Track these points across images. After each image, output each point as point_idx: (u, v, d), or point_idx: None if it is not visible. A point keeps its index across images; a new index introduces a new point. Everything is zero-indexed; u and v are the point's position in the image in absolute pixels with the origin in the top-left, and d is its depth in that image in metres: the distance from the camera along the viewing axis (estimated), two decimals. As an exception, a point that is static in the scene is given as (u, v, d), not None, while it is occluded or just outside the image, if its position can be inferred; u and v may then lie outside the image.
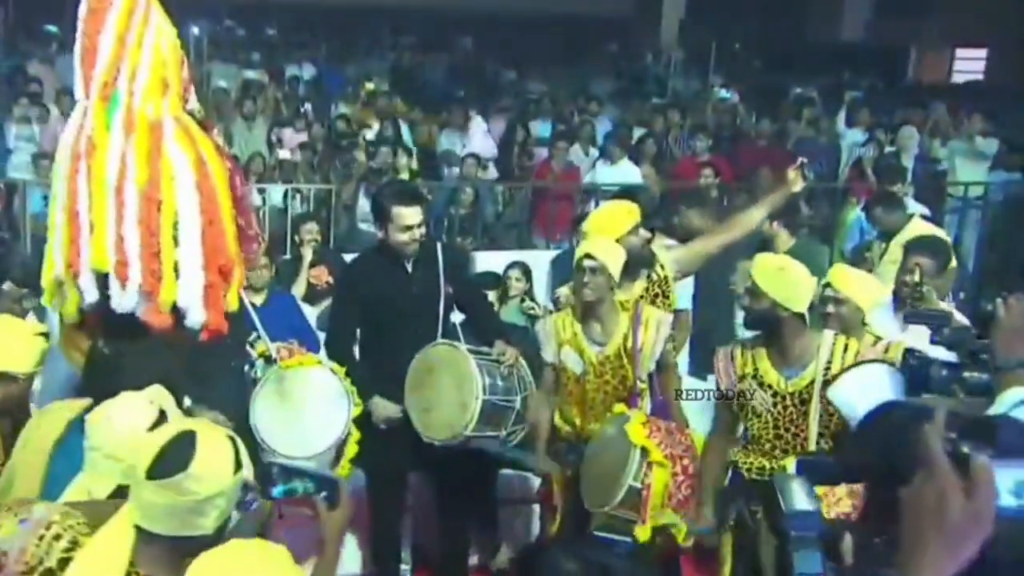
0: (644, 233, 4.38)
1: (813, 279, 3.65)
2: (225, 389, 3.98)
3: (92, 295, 2.98)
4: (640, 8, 19.33)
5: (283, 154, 8.72)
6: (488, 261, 7.65)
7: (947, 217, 9.40)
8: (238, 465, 2.13)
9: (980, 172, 9.77)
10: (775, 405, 3.61)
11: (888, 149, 10.09)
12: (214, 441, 2.12)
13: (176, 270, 3.00)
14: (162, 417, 2.33)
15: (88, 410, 2.63)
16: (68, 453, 2.57)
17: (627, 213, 4.34)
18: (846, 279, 3.97)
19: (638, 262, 4.31)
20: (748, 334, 3.90)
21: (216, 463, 2.09)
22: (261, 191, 8.30)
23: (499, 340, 4.34)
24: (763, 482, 3.57)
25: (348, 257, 7.08)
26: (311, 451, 3.95)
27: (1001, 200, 9.29)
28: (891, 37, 17.14)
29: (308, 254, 6.77)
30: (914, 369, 2.64)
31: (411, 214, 4.24)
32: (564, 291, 4.39)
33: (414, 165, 9.18)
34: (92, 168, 3.01)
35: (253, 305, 5.26)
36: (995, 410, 2.25)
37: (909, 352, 2.69)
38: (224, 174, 3.15)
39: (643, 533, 3.70)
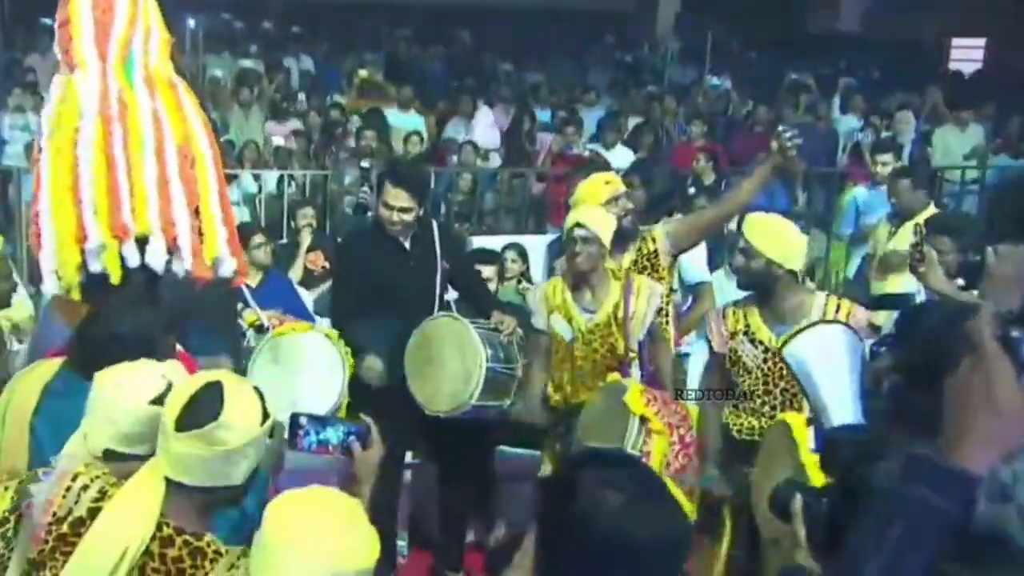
0: (625, 203, 4.37)
1: (805, 237, 3.68)
2: (225, 337, 4.03)
3: (135, 260, 2.92)
4: (637, 1, 19.35)
5: (277, 141, 8.71)
6: (485, 244, 7.67)
7: (943, 202, 9.43)
8: (264, 416, 2.13)
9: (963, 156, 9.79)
10: (765, 361, 3.64)
11: (885, 134, 10.11)
12: (241, 391, 2.11)
13: (214, 227, 3.02)
14: (169, 390, 2.28)
15: (63, 368, 2.64)
16: (49, 418, 2.56)
17: (606, 183, 4.36)
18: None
19: (624, 235, 4.33)
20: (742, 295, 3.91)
21: (245, 412, 2.09)
22: (256, 177, 8.31)
23: (496, 311, 4.39)
24: (753, 442, 3.59)
25: (345, 242, 7.15)
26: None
27: (997, 185, 9.30)
28: (889, 27, 17.14)
29: (305, 239, 6.81)
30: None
31: (396, 195, 4.31)
32: (559, 263, 4.39)
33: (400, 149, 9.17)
34: (129, 130, 2.96)
35: (249, 286, 5.32)
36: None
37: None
38: (210, 126, 3.22)
39: None
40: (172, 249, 2.96)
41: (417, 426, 4.31)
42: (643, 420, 3.70)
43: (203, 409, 2.05)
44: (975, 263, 2.58)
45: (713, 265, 5.60)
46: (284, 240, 7.22)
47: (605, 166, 8.65)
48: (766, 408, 3.65)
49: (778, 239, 3.60)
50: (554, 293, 4.18)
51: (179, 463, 2.05)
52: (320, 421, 2.43)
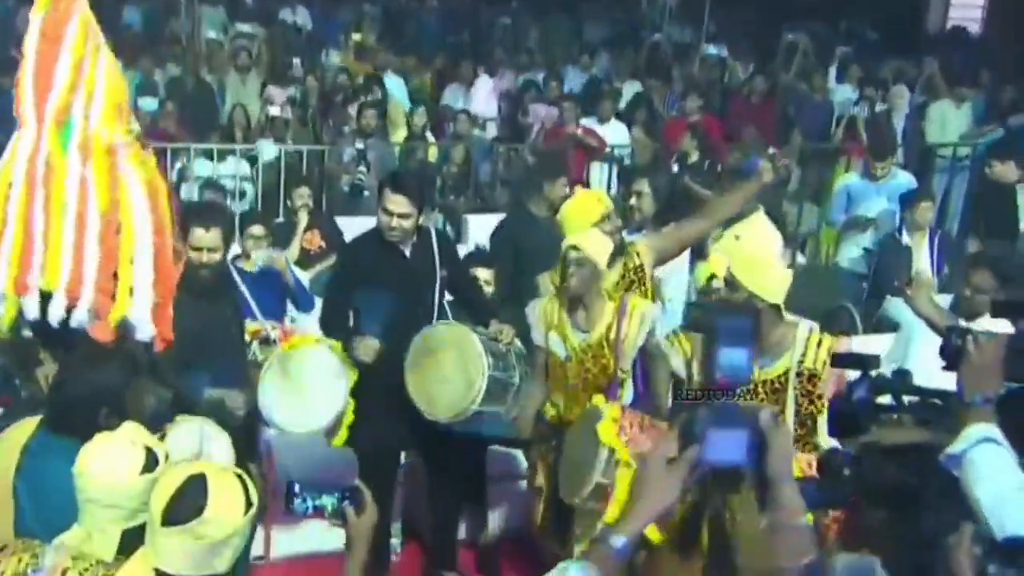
0: (616, 221, 4.45)
1: (789, 272, 3.71)
2: (231, 365, 4.11)
3: (34, 313, 3.08)
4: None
5: (273, 111, 8.66)
6: (481, 224, 7.73)
7: (936, 177, 9.46)
8: (248, 503, 2.19)
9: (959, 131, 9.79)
10: (747, 392, 3.66)
11: (879, 107, 10.10)
12: (224, 482, 2.16)
13: (130, 290, 3.10)
14: (150, 455, 2.37)
15: (40, 428, 2.70)
16: (28, 478, 2.62)
17: (597, 202, 4.41)
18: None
19: (612, 251, 4.33)
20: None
21: (228, 505, 2.14)
22: (250, 155, 8.27)
23: (493, 320, 4.46)
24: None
25: (340, 221, 7.18)
26: (315, 425, 4.21)
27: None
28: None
29: (302, 219, 6.84)
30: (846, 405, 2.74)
31: (395, 201, 4.35)
32: (542, 278, 4.44)
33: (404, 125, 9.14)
34: (50, 193, 3.08)
35: (245, 272, 5.40)
36: (958, 446, 2.32)
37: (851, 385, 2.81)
38: (165, 193, 3.26)
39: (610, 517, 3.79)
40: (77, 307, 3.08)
41: (413, 427, 4.40)
42: (612, 451, 3.77)
43: (187, 504, 2.12)
44: (955, 347, 2.62)
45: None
46: (281, 219, 7.24)
47: (600, 146, 8.74)
48: None
49: (762, 273, 3.62)
50: (551, 312, 4.24)
51: (166, 555, 2.12)
52: (315, 487, 2.50)
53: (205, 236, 4.03)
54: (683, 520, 3.87)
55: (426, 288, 4.49)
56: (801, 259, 9.71)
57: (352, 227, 6.96)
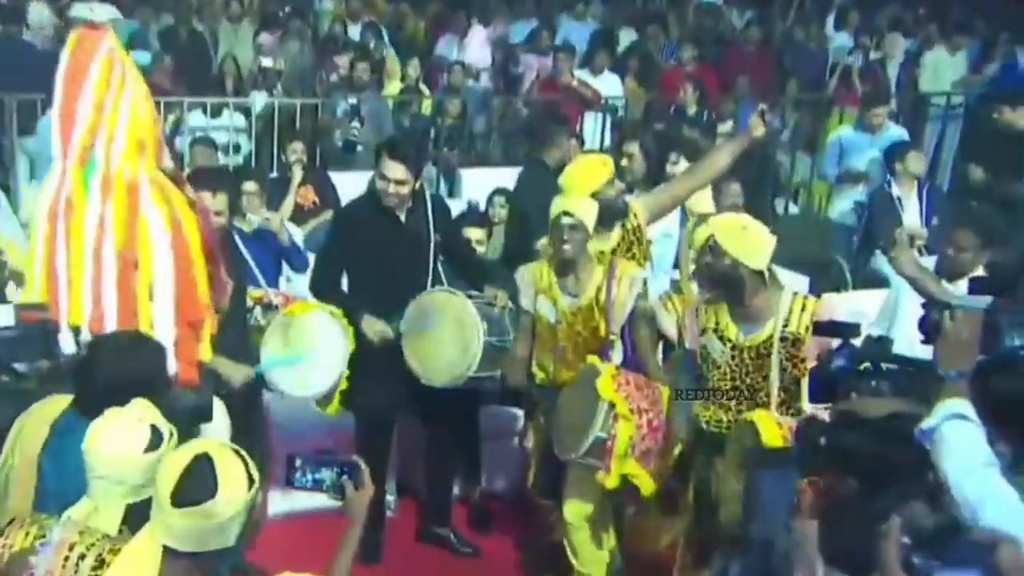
0: (619, 184, 4.49)
1: (772, 237, 3.75)
2: (236, 337, 4.16)
3: (70, 348, 3.16)
4: None
5: (266, 62, 8.60)
6: (475, 179, 7.75)
7: (928, 126, 9.46)
8: (251, 479, 2.24)
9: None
10: (733, 358, 3.76)
11: (873, 55, 10.05)
12: (229, 462, 2.22)
13: (150, 325, 3.17)
14: (155, 433, 2.42)
15: (70, 407, 2.75)
16: (55, 455, 2.67)
17: (602, 165, 4.43)
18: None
19: (613, 213, 4.42)
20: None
21: (236, 483, 2.19)
22: (246, 107, 8.24)
23: (488, 284, 4.53)
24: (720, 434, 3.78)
25: (334, 176, 7.20)
26: (315, 391, 4.37)
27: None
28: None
29: (296, 175, 6.83)
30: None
31: (392, 167, 4.39)
32: (543, 242, 4.48)
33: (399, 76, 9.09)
34: (71, 229, 3.17)
35: (241, 231, 5.43)
36: (931, 421, 2.40)
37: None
38: (196, 227, 3.31)
39: (609, 481, 3.92)
40: None
41: (408, 391, 4.49)
42: (612, 405, 3.89)
43: (197, 485, 2.17)
44: (933, 322, 2.69)
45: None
46: (275, 174, 7.25)
47: (594, 98, 8.70)
48: (734, 403, 3.79)
49: (746, 239, 3.67)
50: (541, 275, 4.29)
51: (175, 533, 2.17)
52: (315, 461, 2.57)
53: (212, 200, 4.05)
54: (670, 478, 4.00)
55: (421, 253, 4.54)
56: (794, 209, 9.76)
57: (345, 182, 7.02)
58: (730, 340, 3.77)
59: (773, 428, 3.50)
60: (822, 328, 3.52)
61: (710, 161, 4.74)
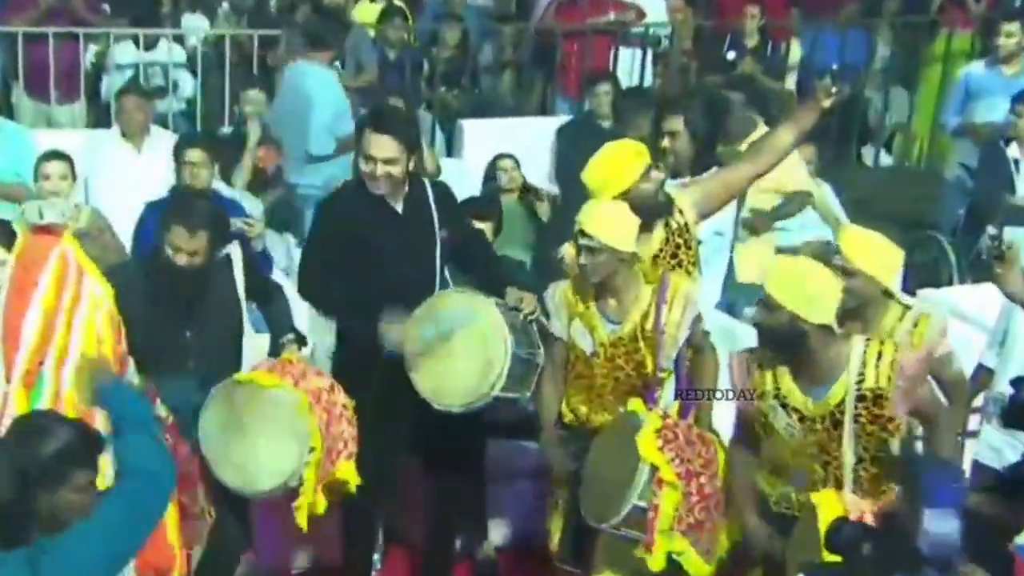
0: (657, 175, 4.41)
1: (838, 281, 3.69)
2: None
3: None
4: None
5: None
6: (480, 133, 7.68)
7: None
8: None
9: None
10: (803, 431, 3.71)
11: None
12: None
13: None
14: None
15: None
16: None
17: (635, 156, 4.36)
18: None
19: (653, 211, 4.36)
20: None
21: None
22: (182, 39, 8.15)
23: (510, 287, 4.47)
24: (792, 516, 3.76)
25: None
26: (258, 487, 4.17)
27: None
28: None
29: (254, 131, 6.72)
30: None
31: (379, 143, 4.31)
32: (568, 250, 4.44)
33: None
34: None
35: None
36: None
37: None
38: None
39: (655, 563, 3.89)
40: None
41: (411, 425, 4.46)
42: (655, 468, 3.85)
43: None
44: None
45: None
46: (226, 128, 7.19)
47: (634, 18, 8.55)
48: (803, 481, 3.76)
49: (803, 290, 3.59)
50: (576, 297, 4.25)
51: None
52: None
53: (187, 240, 4.05)
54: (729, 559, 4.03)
55: (424, 252, 4.48)
56: (887, 159, 9.66)
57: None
58: (796, 410, 3.72)
59: (836, 514, 3.47)
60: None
61: (773, 138, 4.69)
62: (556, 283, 4.36)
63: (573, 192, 5.03)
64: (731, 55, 8.14)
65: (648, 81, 8.32)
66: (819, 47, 8.79)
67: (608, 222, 4.06)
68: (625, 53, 8.44)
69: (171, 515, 3.41)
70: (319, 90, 6.96)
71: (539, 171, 7.28)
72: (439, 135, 8.14)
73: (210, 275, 4.23)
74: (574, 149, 6.82)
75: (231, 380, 4.14)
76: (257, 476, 4.13)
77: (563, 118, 7.86)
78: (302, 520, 4.20)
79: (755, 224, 5.96)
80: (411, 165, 4.44)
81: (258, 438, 4.11)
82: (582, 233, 4.04)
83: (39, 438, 2.76)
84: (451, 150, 7.95)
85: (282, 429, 4.12)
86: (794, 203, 6.11)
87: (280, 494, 4.18)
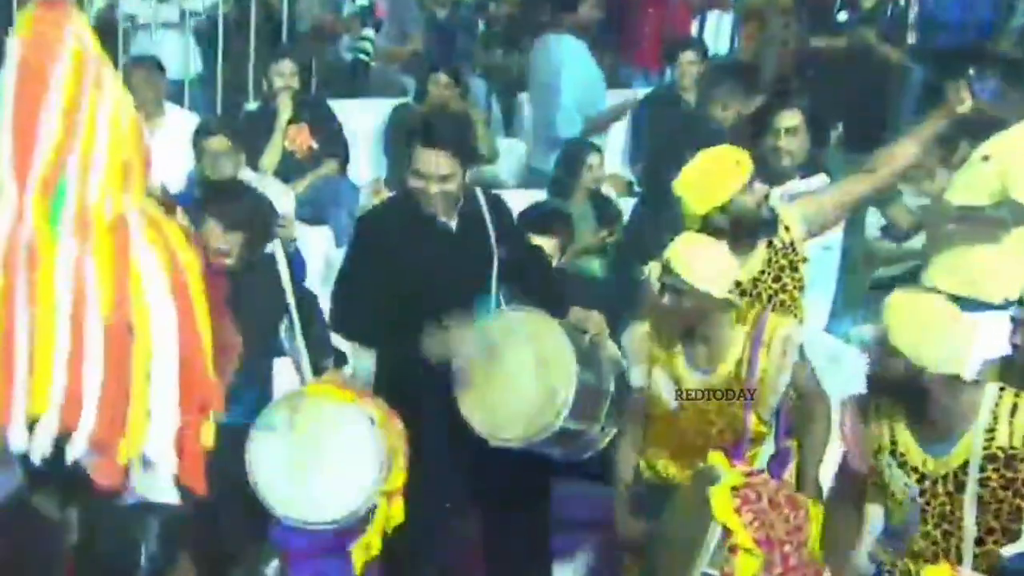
0: (760, 187, 4.40)
1: (972, 322, 3.62)
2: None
3: (20, 446, 3.02)
4: None
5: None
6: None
7: None
8: None
9: None
10: (922, 494, 3.65)
11: None
12: None
13: (147, 413, 3.08)
14: None
15: None
16: None
17: (735, 165, 4.35)
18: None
19: (754, 227, 4.38)
20: None
21: None
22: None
23: (574, 307, 4.51)
24: None
25: (337, 105, 7.11)
26: (322, 516, 4.22)
27: None
28: None
29: (285, 108, 6.76)
30: None
31: (430, 159, 4.34)
32: (654, 268, 4.39)
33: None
34: (36, 286, 3.01)
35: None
36: None
37: None
38: (197, 269, 3.20)
39: None
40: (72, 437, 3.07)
41: (463, 462, 4.48)
42: (727, 530, 3.79)
43: None
44: None
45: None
46: (252, 105, 7.20)
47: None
48: (926, 552, 3.69)
49: (929, 335, 3.51)
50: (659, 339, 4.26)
51: None
52: None
53: (220, 238, 4.14)
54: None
55: (479, 274, 4.51)
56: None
57: (353, 115, 6.95)
58: (915, 469, 3.65)
59: None
60: None
61: (896, 149, 4.71)
62: (633, 324, 4.36)
63: (655, 184, 5.01)
64: (842, 15, 7.95)
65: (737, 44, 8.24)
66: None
67: (701, 263, 4.05)
68: (711, 17, 8.36)
69: (207, 343, 3.22)
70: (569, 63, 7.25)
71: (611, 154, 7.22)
72: (495, 108, 8.05)
73: (243, 282, 4.13)
74: (655, 129, 6.81)
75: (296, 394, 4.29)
76: (322, 505, 4.17)
77: (638, 91, 7.80)
78: (359, 563, 4.26)
79: None
80: (466, 177, 4.46)
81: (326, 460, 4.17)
82: (668, 271, 4.03)
83: None
84: (508, 128, 7.88)
85: (358, 449, 4.17)
86: None
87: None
